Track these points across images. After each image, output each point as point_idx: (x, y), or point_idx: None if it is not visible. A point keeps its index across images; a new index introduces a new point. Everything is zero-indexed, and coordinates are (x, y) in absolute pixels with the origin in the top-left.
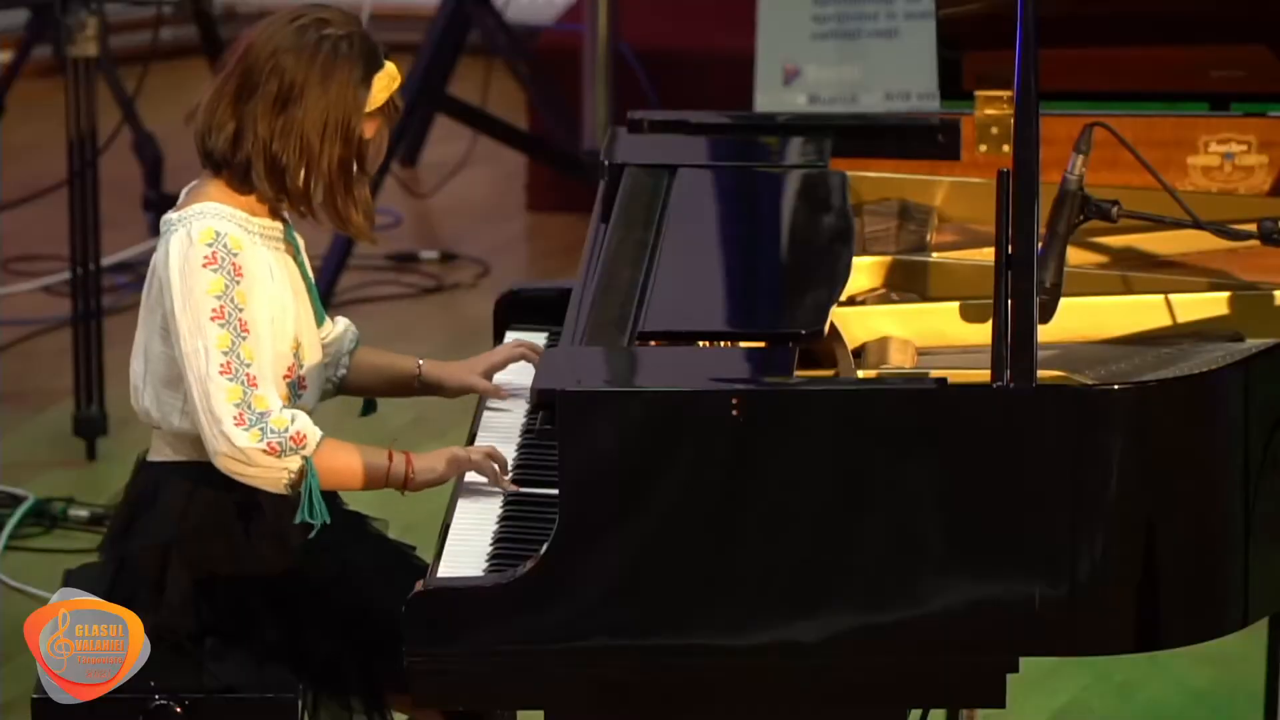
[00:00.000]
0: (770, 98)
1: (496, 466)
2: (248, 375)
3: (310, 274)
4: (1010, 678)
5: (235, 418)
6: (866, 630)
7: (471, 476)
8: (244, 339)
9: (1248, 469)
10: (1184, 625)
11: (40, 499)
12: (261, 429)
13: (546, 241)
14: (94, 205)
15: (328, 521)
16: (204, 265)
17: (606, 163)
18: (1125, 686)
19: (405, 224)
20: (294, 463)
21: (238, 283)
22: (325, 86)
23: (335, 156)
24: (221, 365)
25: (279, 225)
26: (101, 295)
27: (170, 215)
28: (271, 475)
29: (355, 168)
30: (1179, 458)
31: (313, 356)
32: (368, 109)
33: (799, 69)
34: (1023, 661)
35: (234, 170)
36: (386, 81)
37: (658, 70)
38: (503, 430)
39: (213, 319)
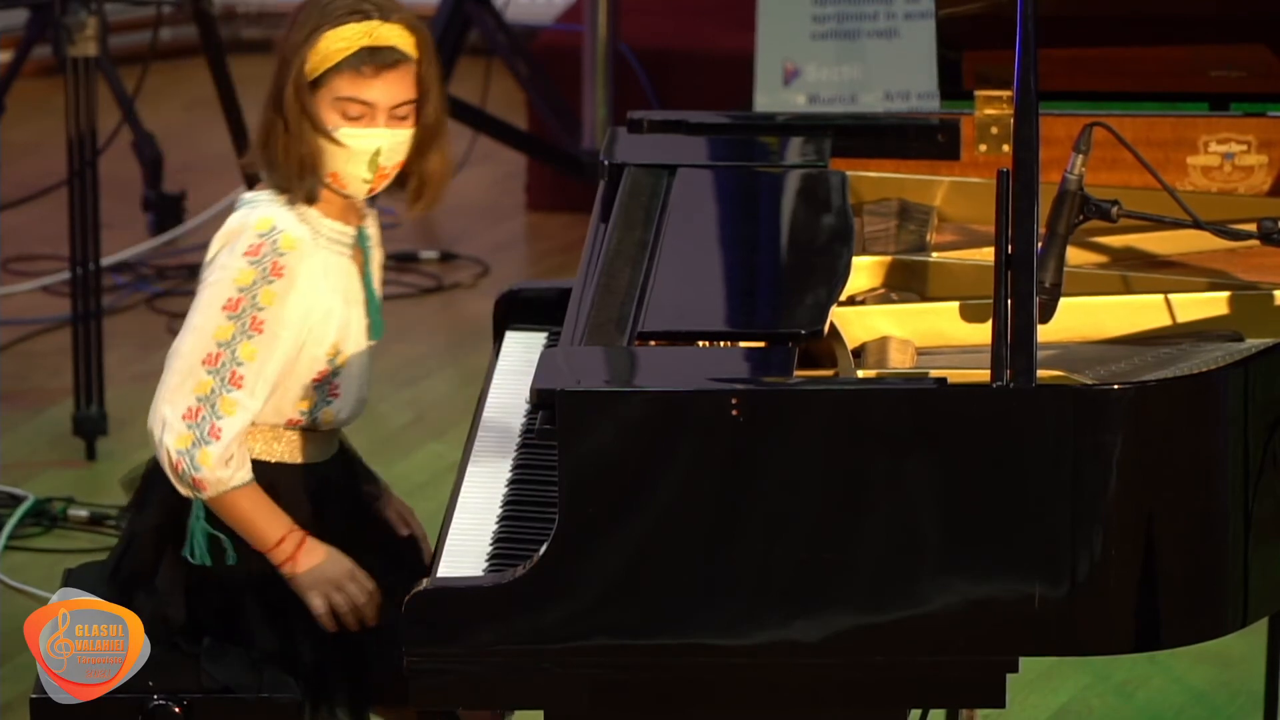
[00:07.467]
0: (770, 97)
1: (353, 617)
2: (233, 372)
3: (375, 286)
4: (1010, 677)
5: (190, 410)
6: (866, 630)
7: (472, 475)
8: (250, 337)
9: (1247, 469)
10: (1184, 625)
11: (40, 499)
12: (196, 442)
13: (546, 241)
14: (94, 205)
15: (207, 564)
16: (245, 254)
17: (606, 162)
18: (1125, 686)
19: (405, 224)
20: (183, 490)
21: (270, 282)
22: (290, 37)
23: (295, 109)
24: (208, 355)
25: (350, 230)
26: (101, 295)
27: (247, 194)
28: (166, 470)
29: (326, 124)
30: (1178, 458)
31: (355, 366)
32: (333, 61)
33: (799, 69)
34: (1022, 661)
35: (272, 180)
36: (353, 35)
37: (657, 70)
38: (502, 430)
39: (224, 308)
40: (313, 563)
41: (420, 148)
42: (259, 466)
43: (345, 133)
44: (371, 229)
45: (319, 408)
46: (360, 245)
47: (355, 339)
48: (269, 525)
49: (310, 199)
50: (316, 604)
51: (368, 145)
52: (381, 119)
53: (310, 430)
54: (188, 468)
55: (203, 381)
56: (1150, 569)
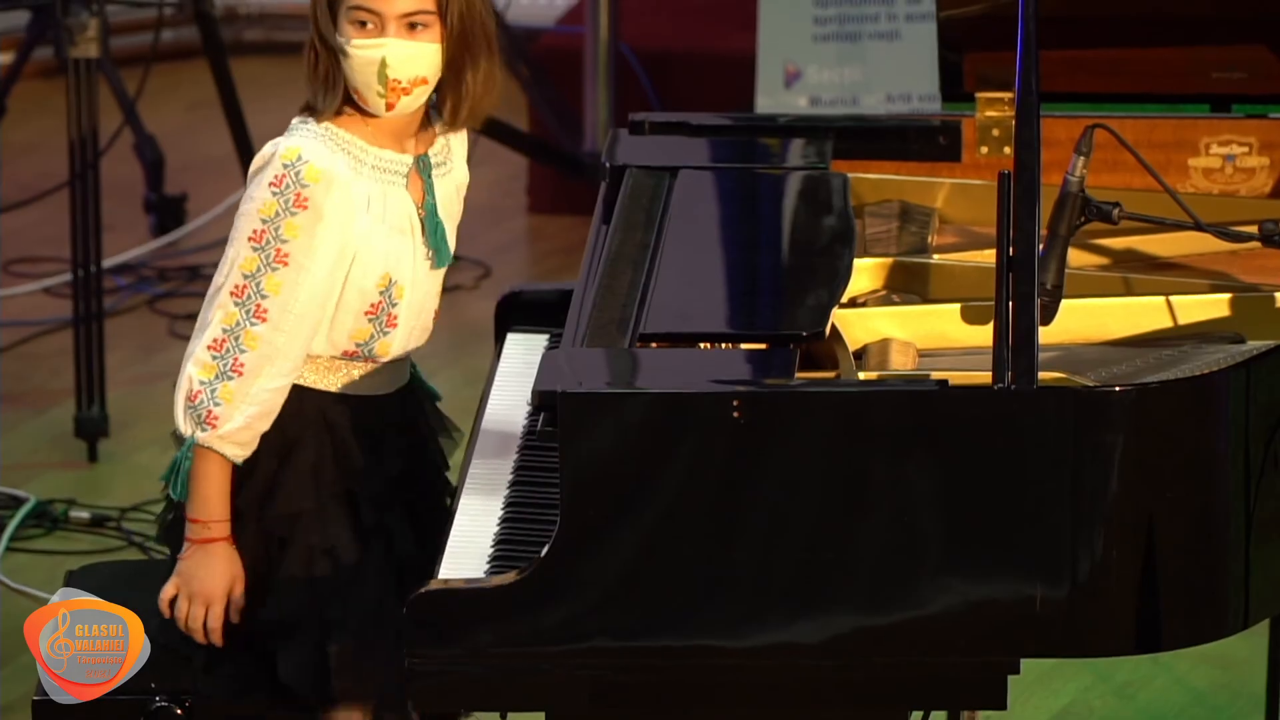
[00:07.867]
0: (771, 99)
1: (197, 626)
2: (258, 305)
3: (443, 213)
4: (1011, 678)
5: (216, 340)
6: (867, 631)
7: (473, 477)
8: (275, 270)
9: (1249, 470)
10: (1185, 627)
11: (41, 500)
12: (219, 374)
13: (548, 243)
14: (95, 207)
15: (175, 499)
16: (270, 184)
17: (607, 164)
18: (1126, 687)
19: None
20: (187, 427)
21: (293, 214)
22: None
23: (315, 25)
24: (235, 287)
25: (405, 159)
26: (103, 297)
27: (296, 118)
28: (179, 404)
29: (339, 36)
30: (1180, 459)
31: (413, 296)
32: None
33: (800, 70)
34: (1023, 662)
35: (316, 101)
36: None
37: (659, 72)
38: (504, 432)
39: (250, 239)
40: (205, 567)
41: (453, 64)
42: (314, 395)
43: (354, 43)
44: (445, 154)
45: (374, 339)
46: (421, 173)
47: (411, 269)
48: (214, 503)
49: (319, 115)
50: (169, 590)
51: (373, 55)
52: (391, 28)
53: (369, 361)
54: (206, 399)
55: (230, 313)
56: (1152, 570)
